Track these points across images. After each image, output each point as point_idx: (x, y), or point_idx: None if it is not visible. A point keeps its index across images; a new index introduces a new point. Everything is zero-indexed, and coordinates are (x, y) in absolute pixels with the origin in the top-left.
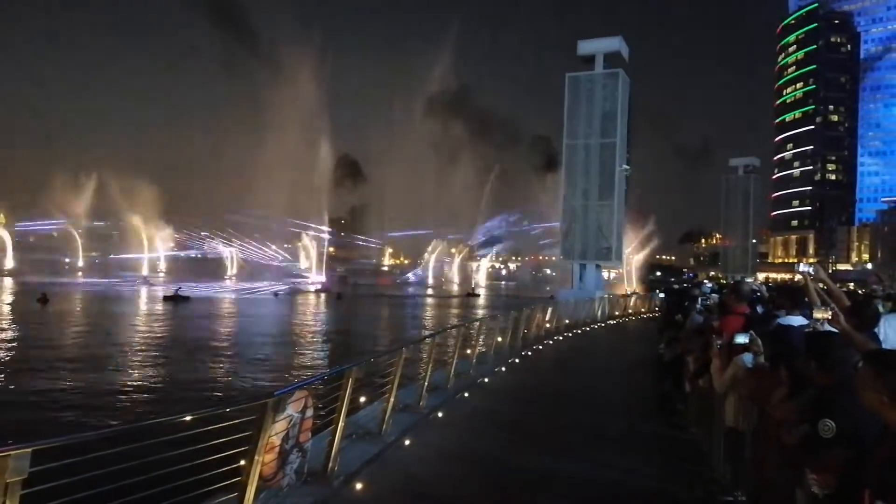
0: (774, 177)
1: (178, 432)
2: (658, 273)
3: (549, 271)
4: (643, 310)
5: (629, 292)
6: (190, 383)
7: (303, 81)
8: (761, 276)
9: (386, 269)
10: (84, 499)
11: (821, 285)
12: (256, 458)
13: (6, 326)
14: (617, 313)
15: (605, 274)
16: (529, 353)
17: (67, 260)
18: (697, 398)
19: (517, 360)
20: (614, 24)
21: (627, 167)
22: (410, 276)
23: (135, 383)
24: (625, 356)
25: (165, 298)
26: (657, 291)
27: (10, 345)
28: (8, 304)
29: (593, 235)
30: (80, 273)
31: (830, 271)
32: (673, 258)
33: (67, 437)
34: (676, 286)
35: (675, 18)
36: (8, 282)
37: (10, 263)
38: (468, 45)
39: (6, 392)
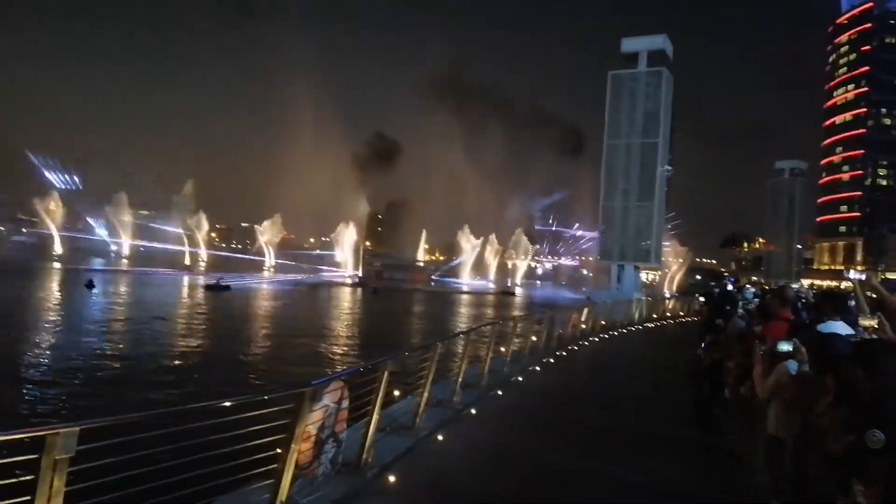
0: (822, 181)
1: (217, 417)
2: (698, 277)
3: (585, 272)
4: (682, 313)
5: (668, 295)
6: (227, 370)
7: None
8: (806, 282)
9: (421, 264)
10: (126, 479)
11: (872, 293)
12: (293, 446)
13: (57, 309)
14: (655, 316)
15: (643, 276)
16: (564, 354)
17: (114, 248)
18: (737, 404)
19: (552, 360)
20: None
21: (669, 168)
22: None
23: (175, 367)
24: (661, 359)
25: (207, 287)
26: (696, 295)
27: (59, 327)
28: (58, 289)
29: (632, 236)
30: (125, 261)
31: (879, 280)
32: (714, 262)
33: (113, 419)
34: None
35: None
36: (57, 266)
37: (58, 249)
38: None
39: (55, 372)
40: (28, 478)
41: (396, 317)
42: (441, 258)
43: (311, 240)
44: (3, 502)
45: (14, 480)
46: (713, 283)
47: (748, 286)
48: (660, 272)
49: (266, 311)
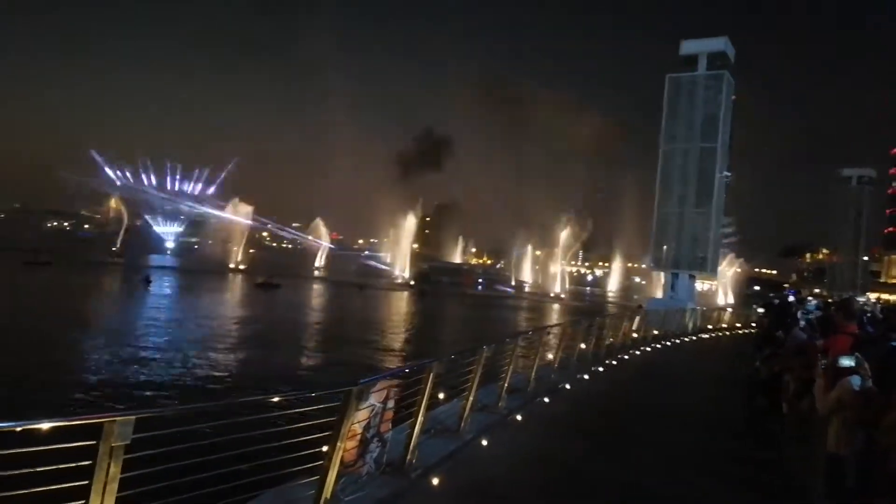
0: (891, 190)
1: (266, 412)
2: (756, 287)
3: (637, 279)
4: (738, 324)
5: (724, 306)
6: (276, 366)
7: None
8: (872, 296)
9: (468, 267)
10: (176, 469)
11: None
12: (339, 444)
13: (117, 303)
14: (709, 326)
15: (697, 285)
16: (614, 363)
17: (169, 245)
18: (795, 419)
19: (601, 369)
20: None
21: (728, 174)
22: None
23: (227, 361)
24: (716, 371)
25: (257, 285)
26: (754, 306)
27: (120, 319)
28: (117, 285)
29: (687, 244)
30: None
31: None
32: (774, 272)
33: (166, 409)
34: (777, 301)
35: (785, 17)
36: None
37: (117, 245)
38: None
39: (114, 362)
40: (86, 463)
41: (442, 319)
42: (489, 261)
43: (360, 241)
44: (64, 485)
45: (74, 465)
46: (772, 294)
47: (810, 298)
48: (716, 281)
49: (313, 310)
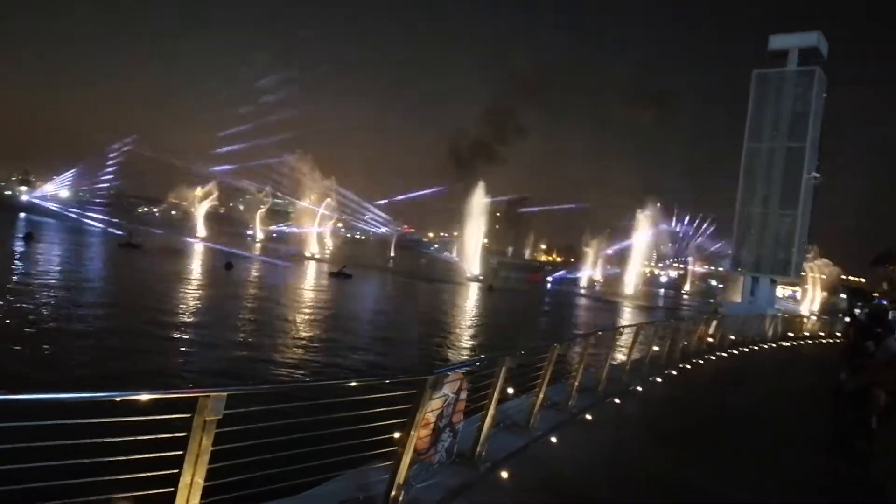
0: None
1: (342, 396)
2: (843, 295)
3: (714, 282)
4: (822, 333)
5: (808, 313)
6: (349, 353)
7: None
8: None
9: (538, 264)
10: (259, 445)
11: None
12: (413, 431)
13: (201, 287)
14: (791, 334)
15: (779, 290)
16: (688, 367)
17: (250, 232)
18: (886, 435)
19: (674, 372)
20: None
21: (817, 175)
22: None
23: (307, 345)
24: (797, 381)
25: (331, 274)
26: (841, 314)
27: (206, 302)
28: (200, 268)
29: (770, 247)
30: (258, 245)
31: None
32: (863, 280)
33: (255, 387)
34: (866, 310)
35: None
36: (199, 248)
37: (202, 232)
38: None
39: (207, 342)
40: (181, 435)
41: (509, 315)
42: (559, 259)
43: (430, 234)
44: (160, 453)
45: (169, 436)
46: (860, 303)
47: None
48: (800, 287)
49: (386, 300)
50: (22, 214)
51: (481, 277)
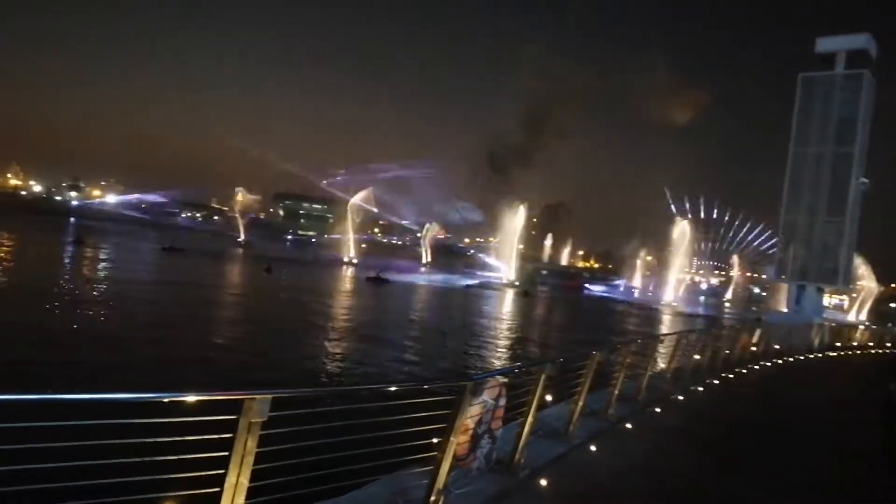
0: None
1: (383, 401)
2: (892, 305)
3: (756, 290)
4: (871, 343)
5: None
6: (386, 357)
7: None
8: None
9: (575, 270)
10: (303, 447)
11: None
12: (452, 437)
13: (243, 288)
14: (838, 344)
15: (826, 299)
16: (731, 376)
17: (289, 238)
18: None
19: (716, 382)
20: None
21: (866, 181)
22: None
23: (345, 350)
24: (844, 393)
25: (368, 279)
26: (890, 324)
27: (245, 304)
28: (241, 272)
29: (817, 254)
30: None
31: None
32: None
33: (298, 391)
34: None
35: None
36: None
37: (241, 236)
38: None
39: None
40: (227, 436)
41: (545, 322)
42: (596, 265)
43: (466, 240)
44: (206, 454)
45: (216, 437)
46: None
47: None
48: (848, 296)
49: (423, 306)
50: (72, 219)
51: (517, 284)
